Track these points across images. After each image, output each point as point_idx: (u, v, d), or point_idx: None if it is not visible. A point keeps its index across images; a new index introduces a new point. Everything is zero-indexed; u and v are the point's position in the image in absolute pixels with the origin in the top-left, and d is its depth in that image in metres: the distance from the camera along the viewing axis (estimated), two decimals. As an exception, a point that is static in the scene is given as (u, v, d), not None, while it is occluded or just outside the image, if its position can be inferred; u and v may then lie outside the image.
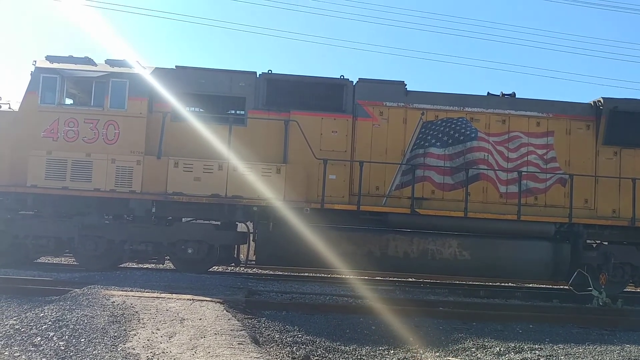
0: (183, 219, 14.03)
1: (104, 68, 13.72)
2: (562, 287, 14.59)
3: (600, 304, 12.60)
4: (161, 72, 13.85)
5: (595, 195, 14.20)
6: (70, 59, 13.83)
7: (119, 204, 13.43)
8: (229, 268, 15.88)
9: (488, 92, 14.64)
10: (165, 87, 13.61)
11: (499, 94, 14.62)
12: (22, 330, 6.86)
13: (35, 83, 13.49)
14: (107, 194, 13.20)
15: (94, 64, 13.83)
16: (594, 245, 14.60)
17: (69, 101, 14.03)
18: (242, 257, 14.93)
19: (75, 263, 14.49)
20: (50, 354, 6.06)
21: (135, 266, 14.76)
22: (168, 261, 14.56)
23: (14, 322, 7.26)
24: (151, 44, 78.57)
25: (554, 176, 14.12)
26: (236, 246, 14.48)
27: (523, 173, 13.87)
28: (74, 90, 14.08)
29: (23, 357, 5.92)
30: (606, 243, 14.49)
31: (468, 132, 14.04)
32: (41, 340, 6.51)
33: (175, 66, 14.07)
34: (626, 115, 14.17)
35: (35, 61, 13.66)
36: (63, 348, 6.27)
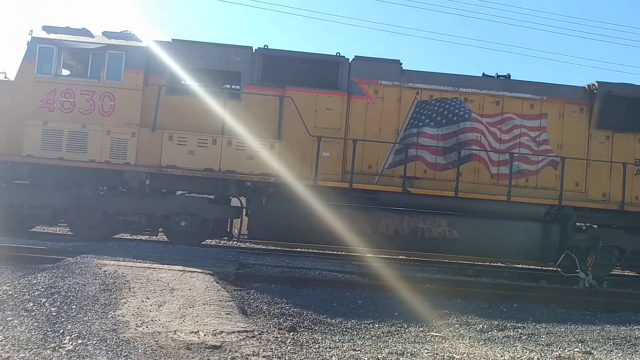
0: (177, 192, 14.15)
1: (101, 40, 13.71)
2: (550, 268, 14.81)
3: (587, 285, 12.84)
4: (158, 45, 13.85)
5: (586, 179, 14.31)
6: (67, 30, 13.83)
7: (114, 175, 13.54)
8: (222, 242, 16.05)
9: (483, 73, 14.70)
10: (162, 60, 13.64)
11: (494, 75, 14.68)
12: (15, 295, 7.00)
13: (31, 53, 13.49)
14: (102, 165, 13.29)
15: (91, 36, 13.82)
16: (584, 227, 14.77)
17: (65, 72, 14.06)
18: (235, 231, 15.09)
19: (70, 233, 14.64)
20: (42, 319, 6.21)
21: (128, 237, 14.92)
22: (161, 233, 14.71)
23: (7, 287, 7.40)
24: (148, 16, 78.03)
25: (545, 158, 14.22)
26: (229, 220, 14.63)
27: (515, 155, 13.97)
28: (70, 61, 14.10)
29: (15, 321, 6.07)
30: (595, 226, 14.67)
31: (462, 113, 14.09)
32: (33, 305, 6.66)
33: (172, 39, 14.05)
34: (619, 100, 14.24)
35: (31, 31, 13.63)
36: (54, 314, 6.42)
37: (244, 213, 14.27)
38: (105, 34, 13.90)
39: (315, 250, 15.11)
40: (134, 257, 10.58)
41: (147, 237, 15.01)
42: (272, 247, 15.32)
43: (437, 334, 7.97)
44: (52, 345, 5.48)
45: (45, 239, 13.19)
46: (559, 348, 7.54)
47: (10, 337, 5.57)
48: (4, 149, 13.25)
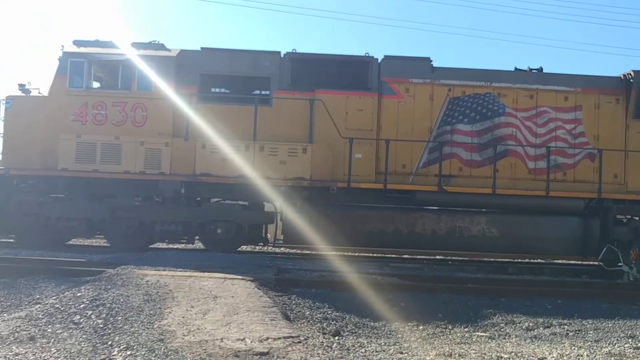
0: (211, 199, 14.21)
1: (130, 51, 13.85)
2: (591, 262, 14.55)
3: (631, 279, 12.59)
4: (187, 54, 13.94)
5: (625, 170, 14.00)
6: (96, 43, 13.99)
7: (149, 185, 13.62)
8: (257, 247, 16.06)
9: (515, 67, 14.54)
10: (191, 69, 13.72)
11: (526, 68, 14.49)
12: (62, 309, 7.07)
13: (63, 67, 13.68)
14: (136, 175, 13.40)
15: (120, 47, 13.96)
16: (624, 220, 14.45)
17: (96, 85, 14.22)
18: (270, 236, 15.09)
19: (107, 244, 14.77)
20: (90, 331, 6.26)
21: (165, 246, 15.00)
22: (198, 241, 14.77)
23: (54, 301, 7.49)
24: (176, 25, 78.77)
25: (582, 151, 13.96)
26: (264, 226, 14.63)
27: (551, 148, 13.74)
28: (101, 74, 14.28)
29: (65, 334, 6.14)
30: (637, 218, 14.34)
31: (496, 108, 13.93)
32: (80, 318, 6.72)
33: (201, 48, 14.13)
34: None
35: (62, 46, 13.85)
36: (102, 325, 6.47)
37: (278, 218, 14.26)
38: (134, 45, 14.03)
39: (351, 253, 15.01)
40: (173, 266, 10.61)
41: (183, 245, 15.08)
42: (307, 252, 15.27)
43: (483, 334, 7.87)
44: (102, 356, 5.51)
45: (83, 252, 13.28)
46: (609, 344, 7.39)
47: (62, 349, 5.62)
48: (40, 163, 13.44)
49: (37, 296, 8.30)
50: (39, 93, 14.11)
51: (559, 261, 15.38)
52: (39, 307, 7.29)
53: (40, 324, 6.45)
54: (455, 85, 14.00)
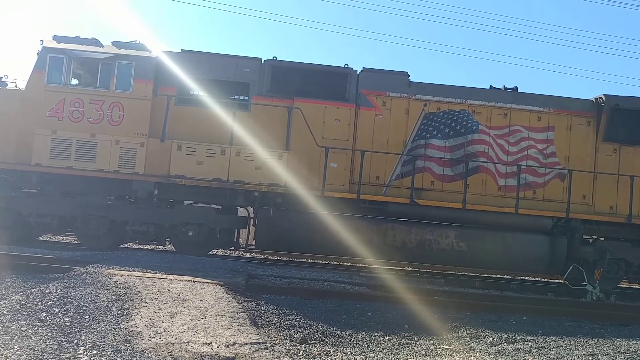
0: (185, 201, 14.18)
1: (110, 50, 13.80)
2: (557, 280, 14.79)
3: (594, 298, 12.82)
4: (167, 56, 13.93)
5: (594, 191, 14.30)
6: (77, 40, 13.91)
7: (122, 185, 13.58)
8: (229, 252, 16.05)
9: (490, 86, 14.74)
10: (171, 71, 13.71)
11: (501, 87, 14.72)
12: (28, 305, 7.00)
13: (42, 62, 13.58)
14: (110, 174, 13.35)
15: (101, 46, 13.90)
16: (591, 240, 14.75)
17: (74, 81, 14.13)
18: (242, 241, 15.09)
19: (77, 242, 14.66)
20: (56, 329, 6.21)
21: (136, 247, 14.92)
22: (169, 243, 14.72)
23: (20, 297, 7.42)
24: (157, 27, 78.30)
25: (553, 171, 14.23)
26: (236, 230, 14.64)
27: (522, 167, 13.99)
28: (80, 71, 14.17)
29: (30, 331, 6.08)
30: (602, 239, 14.65)
31: (469, 125, 14.14)
32: (47, 315, 6.67)
33: (181, 50, 14.15)
34: (627, 113, 14.26)
35: (42, 40, 13.73)
36: (68, 324, 6.43)
37: (251, 223, 14.28)
38: (114, 43, 13.98)
39: (321, 261, 15.09)
40: (142, 267, 10.59)
41: (154, 246, 15.02)
42: (278, 258, 15.31)
43: (447, 347, 7.96)
44: (67, 355, 5.48)
45: (53, 248, 13.22)
46: (570, 362, 7.53)
47: (26, 347, 5.57)
48: (13, 157, 13.31)
49: (3, 292, 8.23)
50: (16, 86, 13.98)
51: (525, 278, 15.62)
52: (4, 302, 7.21)
53: (4, 321, 6.38)
54: (431, 101, 14.19)
